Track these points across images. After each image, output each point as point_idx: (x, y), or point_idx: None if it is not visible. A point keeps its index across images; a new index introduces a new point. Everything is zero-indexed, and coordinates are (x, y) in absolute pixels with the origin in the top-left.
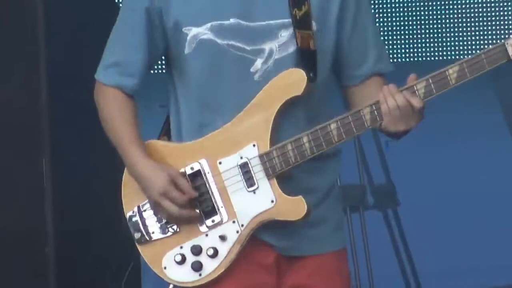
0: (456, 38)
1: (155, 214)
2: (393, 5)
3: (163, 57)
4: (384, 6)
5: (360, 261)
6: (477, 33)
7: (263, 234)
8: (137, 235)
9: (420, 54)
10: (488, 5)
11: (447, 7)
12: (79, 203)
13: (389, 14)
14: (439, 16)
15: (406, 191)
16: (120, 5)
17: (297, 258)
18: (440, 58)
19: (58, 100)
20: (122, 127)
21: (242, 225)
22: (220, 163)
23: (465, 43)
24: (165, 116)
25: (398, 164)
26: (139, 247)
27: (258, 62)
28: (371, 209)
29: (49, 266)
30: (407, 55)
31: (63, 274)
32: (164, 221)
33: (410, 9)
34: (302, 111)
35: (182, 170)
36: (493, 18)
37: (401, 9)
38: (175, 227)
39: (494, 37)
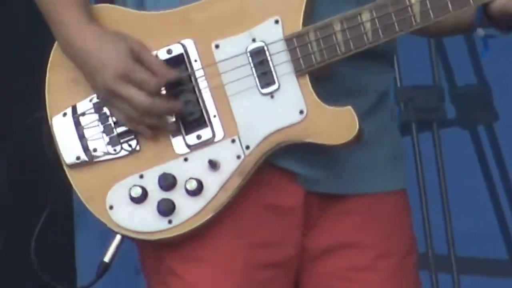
0: None
1: (102, 119)
2: None
3: None
4: None
5: (432, 211)
6: None
7: (282, 159)
8: (67, 154)
9: None
10: None
11: None
12: None
13: None
14: None
15: (507, 98)
16: None
17: (335, 199)
18: None
19: None
20: None
21: (247, 147)
22: (216, 46)
23: None
24: None
25: (494, 63)
26: (69, 173)
27: None
28: (451, 125)
29: None
30: None
31: None
32: (116, 131)
33: None
34: None
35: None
36: None
37: None
38: (134, 142)
39: None
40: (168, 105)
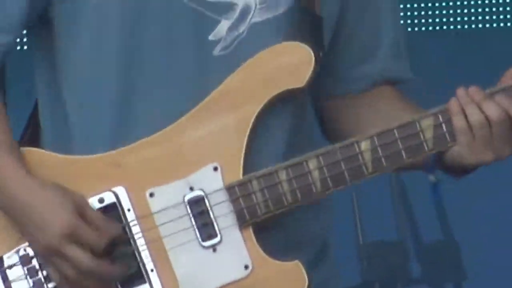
0: None
1: (31, 273)
2: None
3: None
4: None
5: None
6: None
7: None
8: None
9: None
10: None
11: None
12: None
13: None
14: None
15: (475, 256)
16: None
17: None
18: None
19: None
20: None
21: None
22: (151, 195)
23: None
24: (28, 113)
25: (459, 215)
26: None
27: (223, 26)
28: (416, 285)
29: None
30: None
31: None
32: (47, 287)
33: None
34: (289, 117)
35: None
36: None
37: None
38: None
39: None
40: (111, 268)
